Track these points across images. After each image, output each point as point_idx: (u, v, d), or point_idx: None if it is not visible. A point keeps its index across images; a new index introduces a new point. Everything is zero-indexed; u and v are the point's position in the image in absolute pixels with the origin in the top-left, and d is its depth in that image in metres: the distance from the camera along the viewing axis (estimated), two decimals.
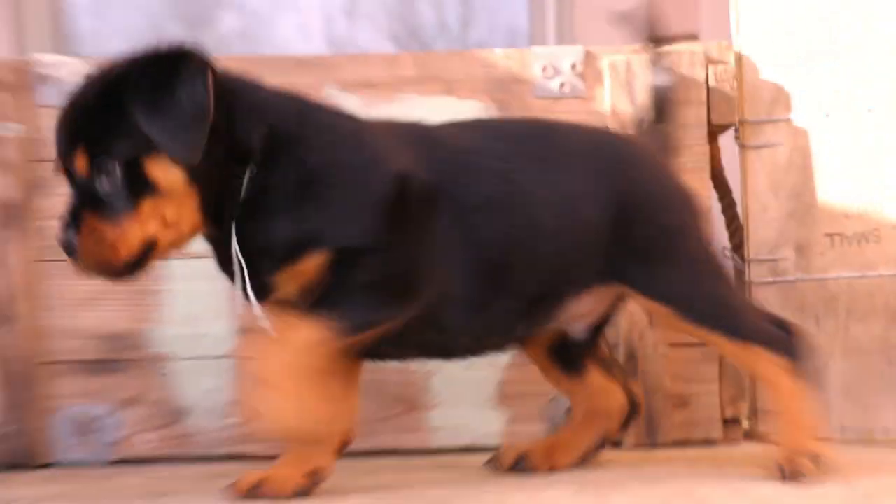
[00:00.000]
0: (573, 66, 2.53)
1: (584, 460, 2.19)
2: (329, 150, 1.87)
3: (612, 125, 2.49)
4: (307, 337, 1.79)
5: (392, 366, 2.44)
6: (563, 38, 3.74)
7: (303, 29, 4.19)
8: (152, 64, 1.78)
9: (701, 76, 2.52)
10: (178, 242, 1.83)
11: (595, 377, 2.23)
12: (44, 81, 2.50)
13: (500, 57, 2.56)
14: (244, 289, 1.84)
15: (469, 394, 2.55)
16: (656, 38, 2.39)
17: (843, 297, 2.51)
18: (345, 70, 2.56)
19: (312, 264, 1.82)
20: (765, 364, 2.00)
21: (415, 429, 2.55)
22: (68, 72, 2.49)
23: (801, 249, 2.55)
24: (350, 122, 1.96)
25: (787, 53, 2.55)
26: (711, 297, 2.05)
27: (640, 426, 2.48)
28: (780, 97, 2.56)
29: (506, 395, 2.55)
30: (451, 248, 1.92)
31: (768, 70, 2.56)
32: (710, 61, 2.53)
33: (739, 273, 2.59)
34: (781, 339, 2.01)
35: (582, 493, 1.91)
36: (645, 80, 2.48)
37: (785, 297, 2.55)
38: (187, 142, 1.75)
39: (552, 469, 2.15)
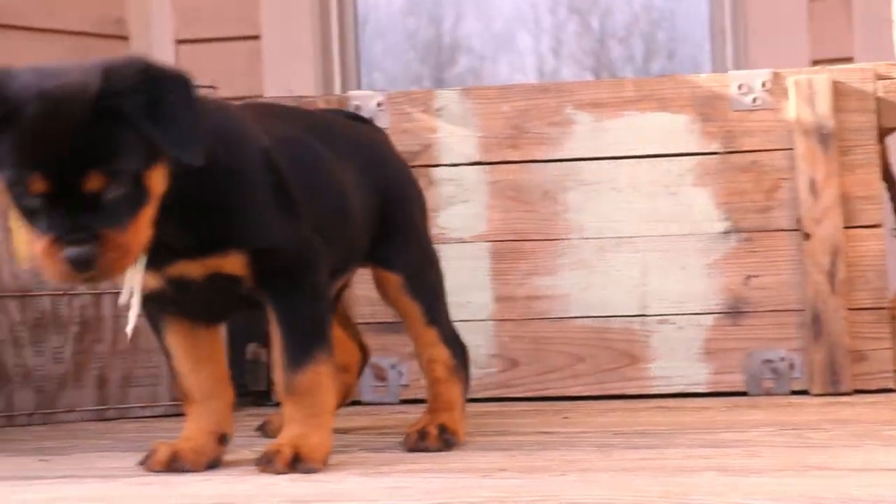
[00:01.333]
0: (763, 84, 2.63)
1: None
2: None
3: (796, 131, 2.59)
4: None
5: (618, 326, 2.64)
6: (739, 63, 3.84)
7: (519, 67, 4.41)
8: (143, 79, 1.56)
9: (871, 89, 2.61)
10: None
11: (336, 332, 2.08)
12: (358, 111, 2.61)
13: (704, 79, 2.67)
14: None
15: (681, 349, 2.64)
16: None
17: None
18: (579, 93, 2.68)
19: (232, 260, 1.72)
20: None
21: (637, 378, 2.65)
22: (374, 102, 2.70)
23: None
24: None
25: None
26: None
27: (825, 377, 2.55)
28: None
29: (710, 351, 2.63)
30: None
31: None
32: (878, 77, 2.62)
33: None
34: None
35: (781, 434, 1.99)
36: (824, 94, 2.59)
37: None
38: (196, 145, 1.58)
39: None
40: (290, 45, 3.97)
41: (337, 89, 3.98)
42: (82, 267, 1.53)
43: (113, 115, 1.53)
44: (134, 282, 1.70)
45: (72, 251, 1.52)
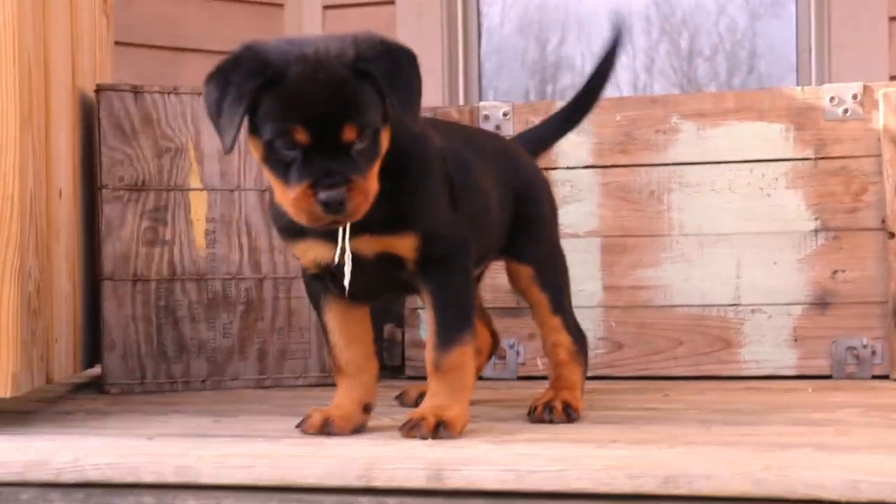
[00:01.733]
0: (854, 97, 2.56)
1: None
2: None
3: (884, 139, 2.51)
4: None
5: (714, 314, 2.60)
6: (822, 77, 3.75)
7: (615, 82, 4.37)
8: (384, 49, 1.62)
9: None
10: None
11: None
12: (486, 120, 2.70)
13: (799, 92, 2.60)
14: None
15: (771, 335, 2.59)
16: None
17: None
18: (685, 105, 2.65)
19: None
20: None
21: (730, 361, 2.60)
22: (501, 112, 2.70)
23: None
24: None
25: None
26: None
27: None
28: None
29: (798, 338, 2.57)
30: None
31: None
32: None
33: None
34: None
35: (867, 414, 1.97)
36: None
37: None
38: (417, 113, 1.64)
39: None
40: (421, 61, 4.01)
41: (461, 100, 3.99)
42: (336, 208, 1.56)
43: (363, 77, 1.59)
44: (345, 242, 1.70)
45: (326, 194, 1.55)
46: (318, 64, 1.57)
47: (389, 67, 1.60)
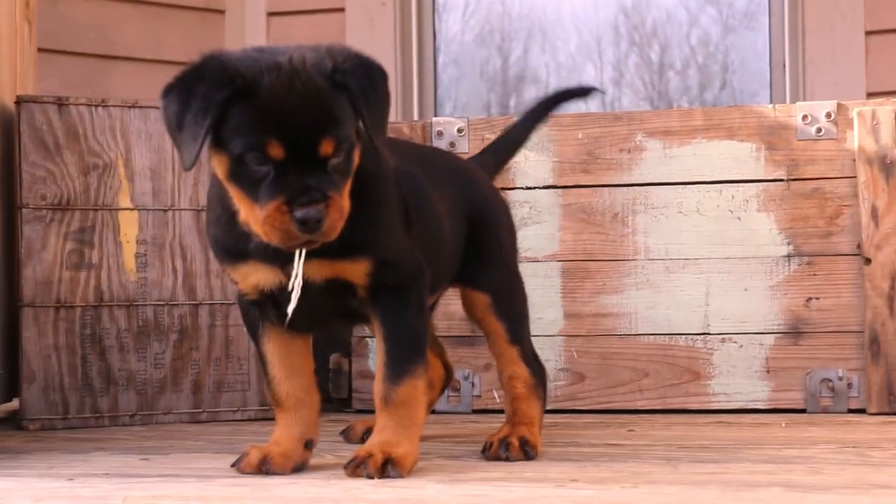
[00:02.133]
0: (828, 115, 2.59)
1: None
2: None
3: (859, 160, 2.54)
4: None
5: (682, 344, 2.62)
6: (796, 94, 3.81)
7: None
8: (358, 63, 1.65)
9: None
10: None
11: None
12: (440, 136, 2.71)
13: (770, 109, 2.64)
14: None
15: (741, 366, 2.60)
16: None
17: None
18: (650, 122, 2.67)
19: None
20: None
21: (699, 394, 2.61)
22: (455, 128, 2.70)
23: None
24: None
25: None
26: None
27: (882, 397, 2.50)
28: None
29: (771, 369, 2.59)
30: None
31: None
32: None
33: None
34: None
35: (841, 451, 1.98)
36: (888, 125, 2.53)
37: None
38: (385, 132, 1.68)
39: None
40: None
41: (415, 115, 4.00)
42: (314, 226, 1.56)
43: (340, 90, 1.60)
44: (299, 267, 1.69)
45: (304, 211, 1.55)
46: (293, 74, 1.58)
47: (364, 82, 1.63)
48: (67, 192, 2.51)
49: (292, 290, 1.70)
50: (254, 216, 1.59)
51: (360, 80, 1.62)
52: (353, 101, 1.61)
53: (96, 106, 2.54)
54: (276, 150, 1.55)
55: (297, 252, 1.67)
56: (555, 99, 2.32)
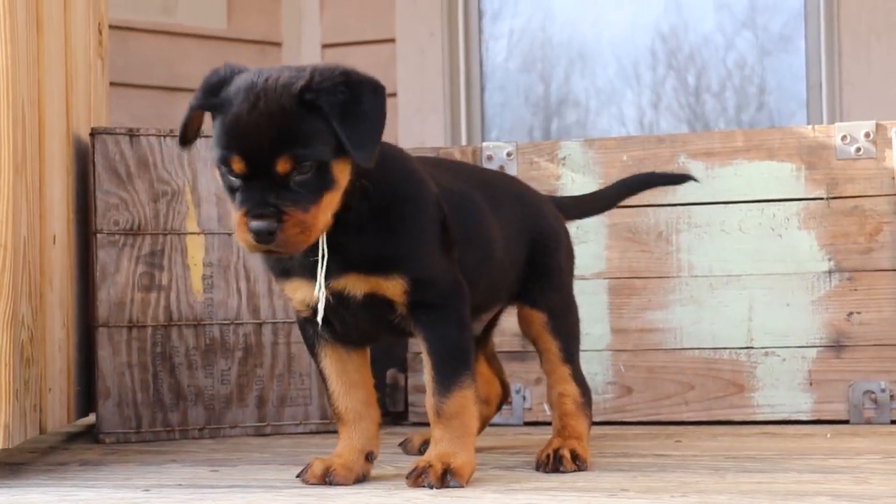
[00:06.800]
0: (867, 135, 2.57)
1: None
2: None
3: None
4: None
5: (726, 358, 2.59)
6: (833, 115, 3.78)
7: (620, 119, 4.42)
8: (341, 80, 1.64)
9: None
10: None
11: (482, 368, 2.18)
12: (489, 160, 2.70)
13: (810, 130, 2.62)
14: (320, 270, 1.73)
15: (785, 379, 2.59)
16: None
17: None
18: (692, 144, 2.66)
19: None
20: None
21: (743, 406, 2.60)
22: (504, 152, 2.71)
23: None
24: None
25: None
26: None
27: None
28: None
29: (814, 381, 2.57)
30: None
31: None
32: None
33: None
34: None
35: (886, 461, 1.98)
36: None
37: None
38: (371, 149, 1.63)
39: None
40: (423, 100, 4.06)
41: (463, 140, 4.02)
42: (266, 238, 1.60)
43: (311, 109, 1.61)
44: (321, 278, 1.73)
45: (256, 224, 1.60)
46: (261, 94, 1.62)
47: (344, 99, 1.62)
48: (138, 218, 2.56)
49: (317, 301, 1.74)
50: (233, 221, 1.67)
51: (336, 97, 1.62)
52: (327, 118, 1.62)
53: (165, 136, 2.58)
54: (238, 166, 1.61)
55: (319, 265, 1.71)
56: (649, 180, 2.41)
